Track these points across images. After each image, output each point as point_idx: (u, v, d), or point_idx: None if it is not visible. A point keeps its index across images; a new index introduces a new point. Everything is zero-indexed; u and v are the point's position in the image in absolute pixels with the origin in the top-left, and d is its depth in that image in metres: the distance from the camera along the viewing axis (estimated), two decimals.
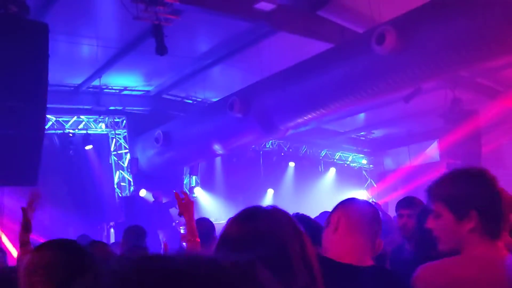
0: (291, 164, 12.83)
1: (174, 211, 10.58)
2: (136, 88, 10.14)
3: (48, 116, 9.24)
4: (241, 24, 7.12)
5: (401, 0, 6.45)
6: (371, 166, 14.32)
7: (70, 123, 9.92)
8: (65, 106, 9.49)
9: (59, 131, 9.69)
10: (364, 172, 14.42)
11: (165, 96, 10.51)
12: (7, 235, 8.37)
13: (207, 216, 11.01)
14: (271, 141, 12.06)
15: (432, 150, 12.13)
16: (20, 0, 4.77)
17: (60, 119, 9.78)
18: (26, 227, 2.94)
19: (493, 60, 5.82)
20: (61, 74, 8.57)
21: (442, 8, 5.50)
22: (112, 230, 9.66)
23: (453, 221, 1.56)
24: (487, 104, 9.45)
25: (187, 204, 2.77)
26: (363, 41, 6.23)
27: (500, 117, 9.48)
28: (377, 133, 13.23)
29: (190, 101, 10.89)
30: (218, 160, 11.64)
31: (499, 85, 9.29)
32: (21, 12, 4.90)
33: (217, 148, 9.08)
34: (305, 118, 7.50)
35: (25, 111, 4.72)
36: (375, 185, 14.15)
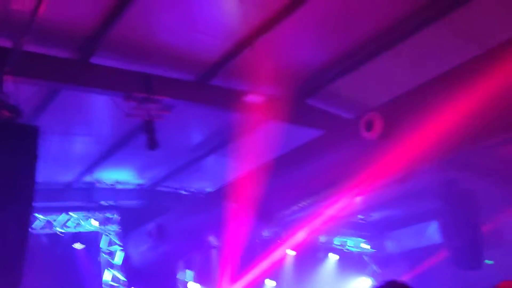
0: (290, 253, 12.39)
1: None
2: (129, 182, 10.07)
3: (37, 215, 9.05)
4: (232, 115, 7.27)
5: (388, 85, 6.68)
6: (372, 250, 13.86)
7: (58, 220, 9.64)
8: (55, 204, 9.33)
9: (47, 230, 9.41)
10: (365, 257, 13.92)
11: (159, 188, 10.42)
12: None
13: None
14: (267, 229, 11.75)
15: (433, 231, 11.84)
16: (12, 106, 4.87)
17: (49, 218, 9.52)
18: None
19: (482, 144, 5.88)
20: (53, 172, 8.55)
21: (427, 95, 5.65)
22: None
23: None
24: (483, 182, 9.42)
25: None
26: (352, 128, 6.32)
27: (498, 195, 9.40)
28: (375, 215, 12.99)
29: (184, 192, 10.78)
30: (214, 251, 11.23)
31: (493, 163, 9.32)
32: (13, 116, 4.99)
33: (212, 239, 8.81)
34: (300, 205, 7.38)
35: (9, 214, 4.59)
36: (378, 271, 13.57)
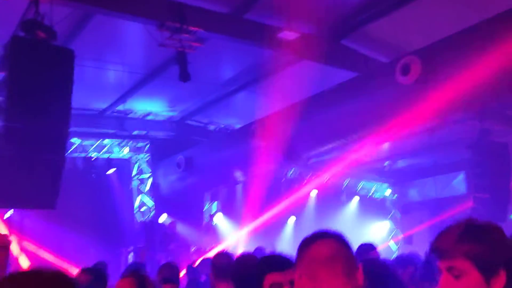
0: (313, 193, 12.62)
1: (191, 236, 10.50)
2: (160, 113, 10.26)
3: (73, 139, 9.44)
4: (265, 52, 7.15)
5: (427, 30, 6.37)
6: (395, 196, 13.96)
7: (93, 146, 10.07)
8: (89, 130, 9.66)
9: (83, 155, 9.84)
10: (388, 202, 14.05)
11: (188, 121, 10.59)
12: (27, 256, 8.42)
13: (226, 243, 10.87)
14: (293, 169, 11.92)
15: (459, 182, 11.75)
16: (48, 27, 4.90)
17: (84, 143, 9.94)
18: None
19: None
20: (87, 99, 8.76)
21: (469, 40, 5.38)
22: (131, 255, 9.62)
23: (481, 282, 1.43)
24: None
25: None
26: (387, 71, 6.14)
27: None
28: (401, 163, 12.93)
29: (213, 127, 10.93)
30: (239, 186, 11.55)
31: None
32: (49, 38, 5.04)
33: (239, 175, 9.02)
34: (327, 147, 7.39)
35: (47, 135, 4.79)
36: (399, 217, 13.74)
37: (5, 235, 3.21)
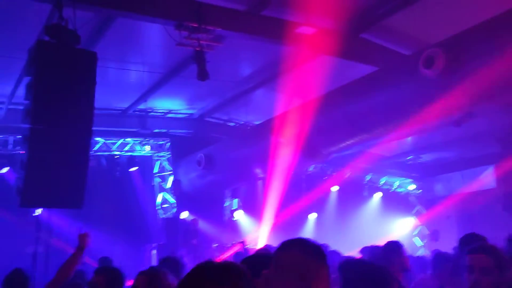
0: (334, 189, 12.52)
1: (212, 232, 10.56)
2: (180, 111, 10.33)
3: (96, 138, 9.62)
4: (283, 48, 7.10)
5: (448, 21, 6.21)
6: (419, 191, 13.71)
7: (116, 145, 10.25)
8: (112, 129, 9.82)
9: (107, 153, 10.03)
10: (412, 198, 13.82)
11: (207, 119, 10.64)
12: (54, 254, 8.61)
13: (248, 240, 10.88)
14: (313, 164, 11.84)
15: (488, 176, 11.46)
16: (72, 31, 4.98)
17: (107, 141, 10.13)
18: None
19: None
20: (110, 98, 8.90)
21: (493, 30, 5.22)
22: (154, 251, 9.75)
23: None
24: None
25: None
26: (410, 64, 6.02)
27: None
28: (425, 157, 12.69)
29: (232, 124, 10.95)
30: (260, 182, 11.55)
31: None
32: (73, 42, 5.13)
33: (258, 171, 9.01)
34: (348, 142, 7.30)
35: (72, 135, 4.88)
36: (424, 212, 13.51)
37: (85, 237, 3.51)
